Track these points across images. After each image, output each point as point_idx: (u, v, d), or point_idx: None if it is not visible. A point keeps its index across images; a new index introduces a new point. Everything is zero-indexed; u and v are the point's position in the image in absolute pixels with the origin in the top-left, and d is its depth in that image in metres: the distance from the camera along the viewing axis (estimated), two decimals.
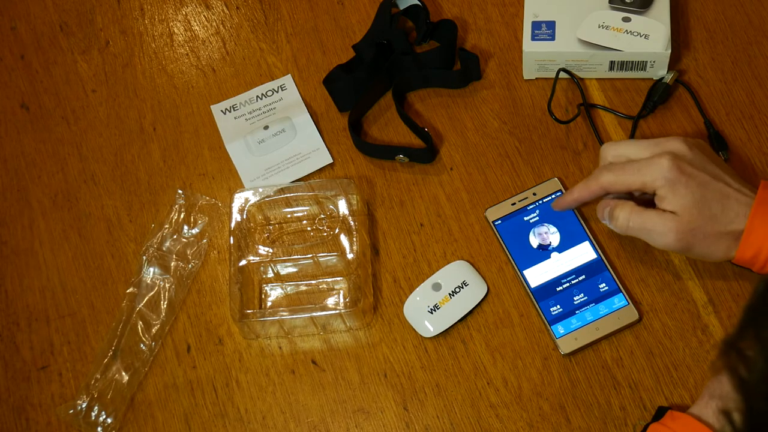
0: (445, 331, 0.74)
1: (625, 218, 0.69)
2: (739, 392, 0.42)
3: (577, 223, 0.76)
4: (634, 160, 0.69)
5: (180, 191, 0.82)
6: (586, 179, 0.71)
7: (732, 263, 0.70)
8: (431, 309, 0.74)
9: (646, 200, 0.71)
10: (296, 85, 0.85)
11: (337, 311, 0.74)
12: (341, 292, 0.77)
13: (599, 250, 0.75)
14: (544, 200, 0.78)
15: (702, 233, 0.66)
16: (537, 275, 0.75)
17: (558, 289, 0.74)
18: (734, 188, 0.67)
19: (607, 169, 0.69)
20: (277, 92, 0.85)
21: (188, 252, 0.79)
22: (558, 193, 0.78)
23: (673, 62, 0.81)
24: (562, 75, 0.81)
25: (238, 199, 0.78)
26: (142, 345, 0.76)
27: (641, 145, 0.69)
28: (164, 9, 0.91)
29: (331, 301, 0.77)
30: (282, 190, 0.79)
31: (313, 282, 0.78)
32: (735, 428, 0.42)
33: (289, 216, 0.80)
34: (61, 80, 0.89)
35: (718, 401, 0.62)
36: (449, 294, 0.75)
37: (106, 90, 0.88)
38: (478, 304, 0.75)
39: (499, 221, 0.77)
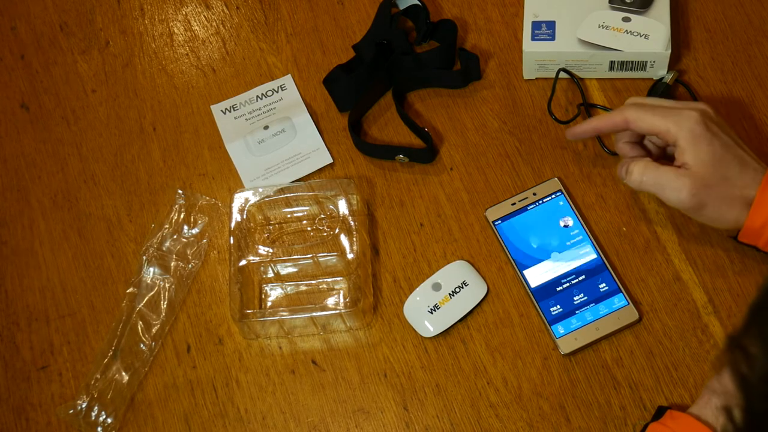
0: (445, 331, 0.74)
1: (640, 172, 0.68)
2: (740, 389, 0.42)
3: (577, 223, 0.76)
4: (663, 105, 0.69)
5: (180, 191, 0.82)
6: (609, 113, 0.71)
7: (738, 241, 0.69)
8: (431, 309, 0.74)
9: (662, 158, 0.71)
10: (296, 85, 0.86)
11: (337, 311, 0.74)
12: (341, 292, 0.77)
13: (599, 250, 0.75)
14: (545, 200, 0.78)
15: (716, 193, 0.66)
16: (537, 275, 0.75)
17: (558, 289, 0.74)
18: (752, 157, 0.68)
19: (634, 106, 0.69)
20: (277, 92, 0.85)
21: (188, 252, 0.79)
22: (558, 193, 0.78)
23: (673, 62, 0.81)
24: (562, 75, 0.81)
25: (238, 199, 0.78)
26: (142, 345, 0.76)
27: (669, 101, 0.70)
28: (164, 9, 0.91)
29: (331, 301, 0.77)
30: (282, 190, 0.79)
31: (313, 282, 0.78)
32: (735, 425, 0.42)
33: (289, 216, 0.80)
34: (61, 80, 0.89)
35: (719, 398, 0.62)
36: (449, 294, 0.75)
37: (106, 90, 0.88)
38: (478, 304, 0.75)
39: (499, 221, 0.77)
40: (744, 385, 0.41)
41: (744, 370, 0.41)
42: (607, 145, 0.80)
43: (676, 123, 0.67)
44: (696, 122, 0.67)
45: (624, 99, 0.81)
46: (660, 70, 0.80)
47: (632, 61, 0.80)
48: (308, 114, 0.84)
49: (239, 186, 0.82)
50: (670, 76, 0.80)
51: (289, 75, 0.86)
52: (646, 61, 0.80)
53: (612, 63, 0.80)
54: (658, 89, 0.80)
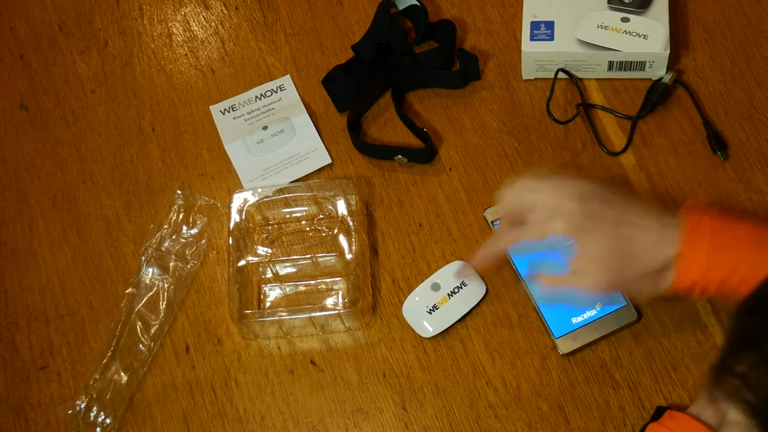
0: (443, 331, 0.74)
1: (545, 296, 0.69)
2: (750, 416, 0.40)
3: None
4: (533, 211, 0.66)
5: (179, 191, 0.82)
6: (485, 244, 0.69)
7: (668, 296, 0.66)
8: (430, 309, 0.74)
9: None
10: (295, 86, 0.85)
11: (336, 311, 0.74)
12: (340, 292, 0.77)
13: None
14: None
15: (624, 279, 0.64)
16: (536, 275, 0.74)
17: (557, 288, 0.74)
18: (640, 216, 0.64)
19: (504, 233, 0.68)
20: (276, 92, 0.85)
21: (187, 252, 0.79)
22: None
23: (672, 62, 0.81)
24: (561, 75, 0.81)
25: (237, 200, 0.78)
26: (140, 345, 0.76)
27: (542, 190, 0.66)
28: (163, 9, 0.91)
29: (329, 302, 0.77)
30: (281, 191, 0.79)
31: (312, 282, 0.78)
32: None
33: (287, 216, 0.80)
34: (60, 80, 0.89)
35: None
36: (448, 294, 0.75)
37: (105, 90, 0.88)
38: (477, 305, 0.75)
39: (498, 221, 0.77)
40: (756, 412, 0.40)
41: (749, 398, 0.40)
42: (606, 146, 0.80)
43: (552, 230, 0.64)
44: (569, 223, 0.63)
45: (623, 99, 0.81)
46: (659, 71, 0.80)
47: (631, 62, 0.80)
48: (307, 114, 0.84)
49: (238, 186, 0.82)
50: (669, 77, 0.80)
51: (288, 75, 0.86)
52: (645, 62, 0.80)
53: (611, 63, 0.80)
54: (657, 89, 0.80)
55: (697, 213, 0.64)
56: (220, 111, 0.85)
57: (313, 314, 0.74)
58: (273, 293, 0.78)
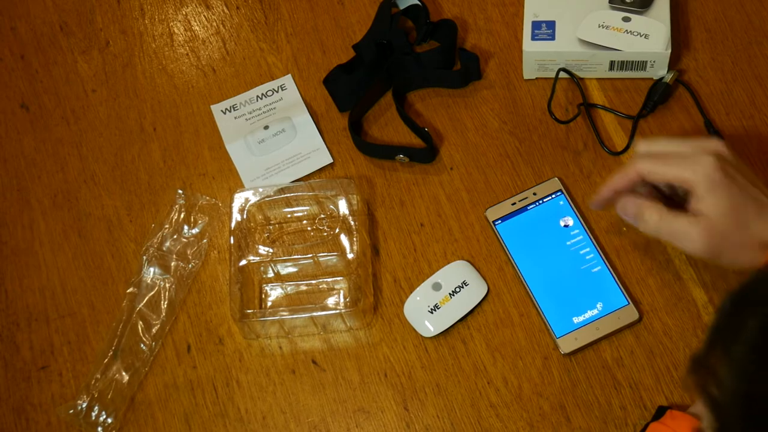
0: (445, 330, 0.74)
1: (655, 222, 0.66)
2: (711, 411, 0.41)
3: (578, 223, 0.76)
4: (675, 152, 0.66)
5: (180, 191, 0.82)
6: (623, 168, 0.67)
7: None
8: (431, 309, 0.74)
9: (673, 199, 0.69)
10: (296, 85, 0.85)
11: (338, 311, 0.74)
12: (341, 291, 0.77)
13: (599, 250, 0.75)
14: (545, 200, 0.77)
15: (732, 241, 0.64)
16: (537, 275, 0.75)
17: (558, 288, 0.74)
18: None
19: (645, 157, 0.66)
20: (277, 92, 0.85)
21: (188, 252, 0.79)
22: (558, 193, 0.78)
23: (673, 62, 0.81)
24: (562, 75, 0.81)
25: (239, 199, 0.78)
26: (142, 345, 0.76)
27: (680, 143, 0.66)
28: (164, 9, 0.91)
29: (331, 301, 0.77)
30: (282, 190, 0.79)
31: (314, 282, 0.78)
32: None
33: (289, 216, 0.80)
34: (61, 80, 0.89)
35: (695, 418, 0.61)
36: (449, 294, 0.75)
37: (106, 90, 0.88)
38: (479, 304, 0.75)
39: (500, 221, 0.77)
40: (715, 407, 0.41)
41: (713, 392, 0.41)
42: (608, 145, 0.80)
43: (693, 171, 0.64)
44: (714, 169, 0.63)
45: (624, 99, 0.81)
46: (660, 70, 0.80)
47: (632, 61, 0.80)
48: (308, 114, 0.84)
49: (239, 186, 0.82)
50: (670, 76, 0.80)
51: (290, 75, 0.86)
52: (646, 61, 0.80)
53: (612, 63, 0.80)
54: (658, 89, 0.80)
55: None
56: (222, 110, 0.85)
57: (315, 314, 0.74)
58: (274, 293, 0.78)
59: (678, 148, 0.66)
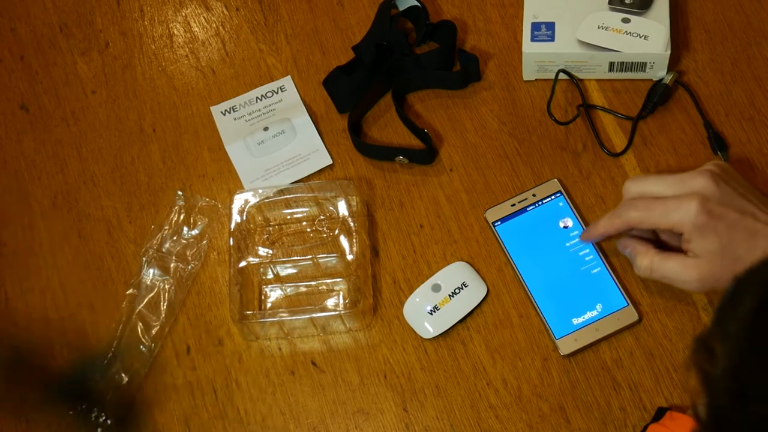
0: (444, 332, 0.74)
1: (647, 267, 0.68)
2: (703, 386, 0.42)
3: (577, 224, 0.76)
4: (660, 197, 0.67)
5: (179, 192, 0.81)
6: (611, 214, 0.69)
7: None
8: (431, 310, 0.74)
9: (666, 239, 0.70)
10: (296, 87, 0.85)
11: (337, 312, 0.74)
12: (341, 293, 0.77)
13: (599, 251, 0.75)
14: (544, 201, 0.77)
15: (727, 275, 0.64)
16: (536, 276, 0.75)
17: (558, 289, 0.74)
18: (763, 221, 0.65)
19: (633, 206, 0.68)
20: (277, 93, 0.85)
21: (188, 253, 0.79)
22: (557, 195, 0.77)
23: (673, 63, 0.81)
24: (562, 76, 0.81)
25: (238, 201, 0.78)
26: (141, 346, 0.76)
27: (667, 182, 0.67)
28: (164, 10, 0.91)
29: (330, 303, 0.77)
30: (282, 192, 0.79)
31: (313, 283, 0.78)
32: (700, 421, 0.42)
33: (288, 217, 0.80)
34: (60, 81, 0.89)
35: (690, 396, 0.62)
36: (449, 295, 0.74)
37: (106, 91, 0.88)
38: (478, 305, 0.75)
39: (499, 222, 0.77)
40: (707, 381, 0.42)
41: (707, 368, 0.42)
42: (607, 146, 0.80)
43: (678, 218, 0.65)
44: (697, 213, 0.64)
45: (623, 100, 0.81)
46: (659, 71, 0.80)
47: (632, 62, 0.80)
48: (308, 115, 0.84)
49: (239, 187, 0.82)
50: (670, 77, 0.80)
51: (289, 76, 0.86)
52: (646, 62, 0.80)
53: (611, 64, 0.80)
54: (657, 90, 0.80)
55: None
56: (221, 112, 0.85)
57: (314, 315, 0.74)
58: (274, 294, 0.78)
59: (664, 189, 0.67)
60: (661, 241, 0.70)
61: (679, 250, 0.68)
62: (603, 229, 0.71)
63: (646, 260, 0.68)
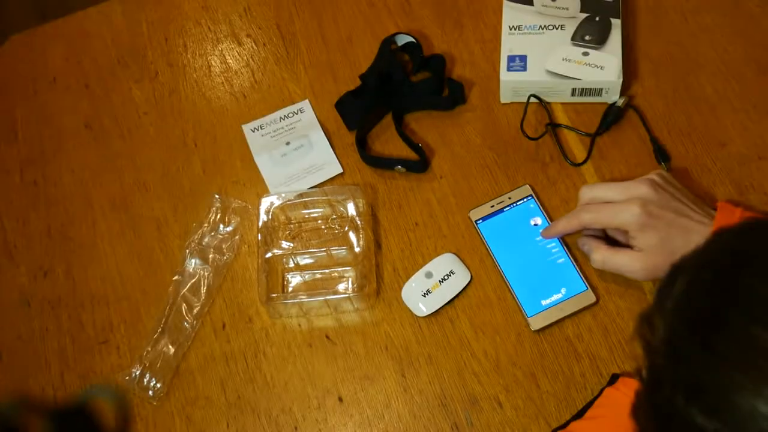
0: (435, 311, 0.74)
1: (601, 260, 0.68)
2: (644, 352, 0.43)
3: (545, 222, 0.76)
4: (609, 202, 0.68)
5: (216, 196, 0.81)
6: (569, 215, 0.70)
7: None
8: (424, 293, 0.74)
9: (615, 235, 0.70)
10: (312, 108, 0.85)
11: (347, 295, 0.74)
12: (350, 279, 0.76)
13: (563, 245, 0.74)
14: (518, 203, 0.77)
15: (665, 266, 0.62)
16: (511, 265, 0.74)
17: (529, 276, 0.74)
18: (696, 220, 0.65)
19: (586, 209, 0.69)
20: (297, 114, 0.85)
21: (223, 246, 0.79)
22: (529, 198, 0.77)
23: (624, 89, 0.80)
24: (533, 99, 0.81)
25: (265, 203, 0.78)
26: (185, 323, 0.76)
27: (615, 189, 0.68)
28: (203, 45, 0.91)
29: (341, 287, 0.76)
30: (301, 195, 0.79)
31: (327, 271, 0.77)
32: (642, 381, 0.43)
33: (306, 216, 0.80)
34: (118, 104, 0.88)
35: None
36: (439, 281, 0.74)
37: (156, 112, 0.87)
38: (464, 289, 0.74)
39: (481, 220, 0.77)
40: (648, 348, 0.42)
41: (649, 338, 0.42)
42: (570, 158, 0.79)
43: (623, 219, 0.66)
44: (639, 215, 0.65)
45: (584, 119, 0.80)
46: (613, 96, 0.80)
47: (590, 88, 0.79)
48: (322, 132, 0.83)
49: (265, 191, 0.81)
50: (622, 101, 0.79)
51: (307, 100, 0.85)
52: (602, 88, 0.79)
53: (574, 90, 0.80)
54: (612, 111, 0.79)
55: (730, 206, 0.66)
56: (251, 129, 0.85)
57: (328, 297, 0.73)
58: (294, 280, 0.77)
59: (612, 195, 0.67)
60: (612, 239, 0.70)
61: (626, 246, 0.68)
62: (561, 228, 0.71)
63: (599, 255, 0.68)
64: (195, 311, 0.76)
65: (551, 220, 0.76)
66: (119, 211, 0.83)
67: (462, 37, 0.87)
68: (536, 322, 0.72)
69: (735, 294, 0.40)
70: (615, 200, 0.67)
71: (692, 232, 0.65)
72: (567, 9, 0.81)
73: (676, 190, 0.67)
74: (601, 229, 0.71)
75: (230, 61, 0.90)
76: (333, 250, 0.77)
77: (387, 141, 0.83)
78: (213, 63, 0.90)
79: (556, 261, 0.74)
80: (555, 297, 0.73)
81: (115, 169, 0.85)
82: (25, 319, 0.78)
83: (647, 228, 0.65)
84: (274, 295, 0.75)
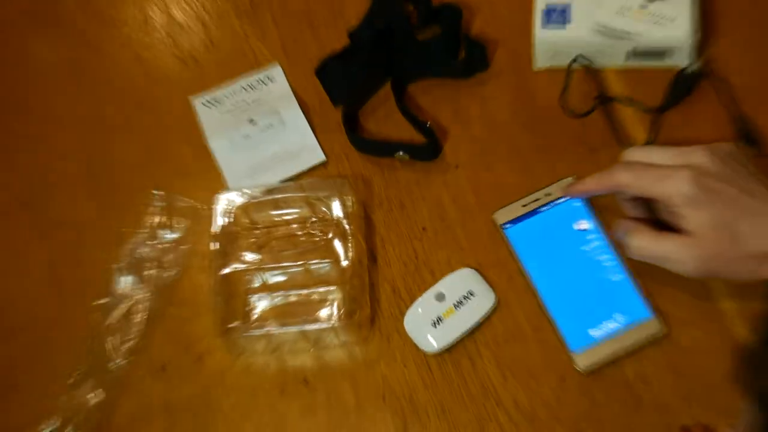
0: (449, 346, 0.72)
1: (638, 246, 0.67)
2: (760, 405, 0.41)
3: (595, 227, 0.74)
4: (657, 164, 0.67)
5: (156, 192, 0.80)
6: (601, 173, 0.69)
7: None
8: (434, 322, 0.73)
9: (668, 219, 0.69)
10: (285, 75, 0.84)
11: (331, 324, 0.73)
12: (335, 303, 0.75)
13: (620, 257, 0.73)
14: (559, 202, 0.75)
15: (726, 257, 0.63)
16: (551, 284, 0.73)
17: (574, 299, 0.72)
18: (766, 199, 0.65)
19: (626, 167, 0.68)
20: (265, 83, 0.84)
21: (166, 259, 0.78)
22: None
23: (700, 50, 0.79)
24: (577, 64, 0.80)
25: (222, 201, 0.77)
26: (112, 363, 0.74)
27: (667, 153, 0.67)
28: None
29: (323, 313, 0.75)
30: (270, 191, 0.78)
31: (304, 292, 0.76)
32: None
33: (277, 219, 0.79)
34: (21, 69, 0.87)
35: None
36: (454, 305, 0.73)
37: (74, 80, 0.86)
38: (487, 317, 0.73)
39: (509, 225, 0.75)
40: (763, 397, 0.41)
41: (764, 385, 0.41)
42: (626, 140, 0.78)
43: (669, 187, 0.65)
44: (690, 185, 0.64)
45: (645, 90, 0.79)
46: (684, 59, 0.78)
47: (654, 49, 0.78)
48: (299, 107, 0.83)
49: (223, 186, 0.80)
50: (696, 65, 0.78)
51: (277, 64, 0.85)
52: (669, 48, 0.78)
53: (632, 51, 0.79)
54: (682, 80, 0.78)
55: None
56: (203, 103, 0.84)
57: (306, 327, 0.73)
58: (261, 304, 0.76)
59: (662, 159, 0.68)
60: (660, 223, 0.70)
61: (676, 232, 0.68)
62: (591, 185, 0.71)
63: (639, 240, 0.67)
64: (126, 347, 0.75)
65: (603, 225, 0.75)
66: (24, 213, 0.81)
67: None
68: (584, 360, 0.70)
69: None
70: (664, 164, 0.67)
71: (761, 216, 0.63)
72: None
73: (743, 167, 0.66)
74: (647, 210, 0.70)
75: (175, 12, 0.89)
76: (312, 264, 0.76)
77: (385, 119, 0.82)
78: (151, 14, 0.88)
79: (609, 278, 0.73)
80: (609, 326, 0.71)
81: (19, 158, 0.83)
82: None
83: (700, 204, 0.63)
84: (233, 324, 0.74)
